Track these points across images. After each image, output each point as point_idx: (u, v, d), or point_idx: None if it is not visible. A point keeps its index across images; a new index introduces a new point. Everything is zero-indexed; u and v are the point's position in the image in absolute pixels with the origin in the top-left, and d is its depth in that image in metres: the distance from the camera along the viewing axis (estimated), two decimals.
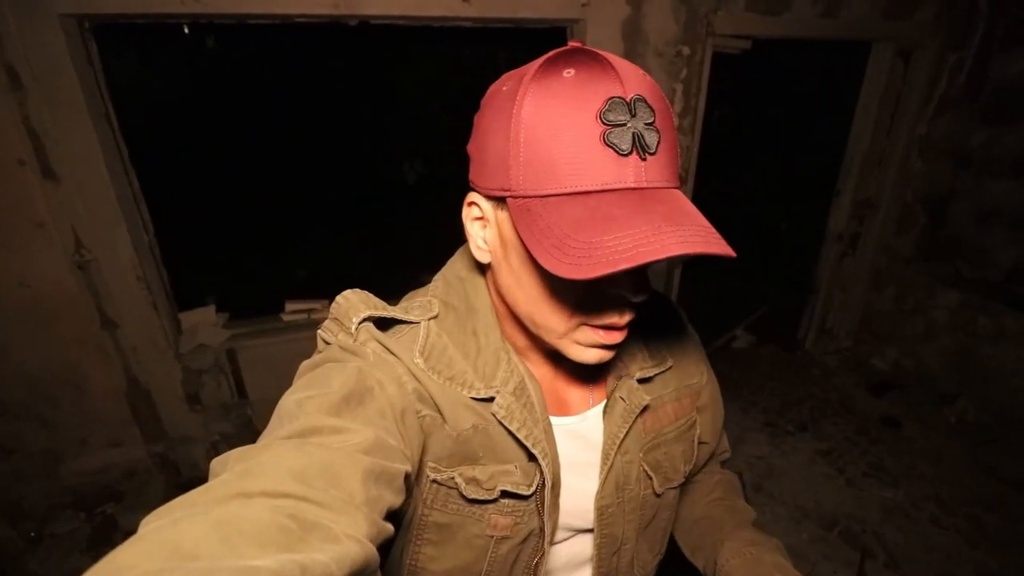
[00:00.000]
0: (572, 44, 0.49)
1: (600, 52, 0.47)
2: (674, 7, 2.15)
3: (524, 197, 0.45)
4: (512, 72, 0.49)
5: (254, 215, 4.12)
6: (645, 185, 0.44)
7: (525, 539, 0.60)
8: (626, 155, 0.43)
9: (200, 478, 0.50)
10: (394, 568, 0.64)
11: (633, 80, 0.45)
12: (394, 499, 0.45)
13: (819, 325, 3.16)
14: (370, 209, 4.47)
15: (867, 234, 2.95)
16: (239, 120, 3.99)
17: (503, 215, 0.50)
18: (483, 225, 0.53)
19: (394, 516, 0.48)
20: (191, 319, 2.20)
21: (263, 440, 0.43)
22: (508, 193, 0.46)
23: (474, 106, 0.52)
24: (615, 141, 0.43)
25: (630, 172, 0.43)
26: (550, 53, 0.47)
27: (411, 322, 0.57)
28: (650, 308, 0.68)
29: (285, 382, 0.53)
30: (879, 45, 2.60)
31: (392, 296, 0.63)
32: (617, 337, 0.52)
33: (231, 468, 0.39)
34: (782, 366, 3.12)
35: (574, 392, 0.64)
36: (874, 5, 2.41)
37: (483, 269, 0.60)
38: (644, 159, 0.43)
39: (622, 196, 0.43)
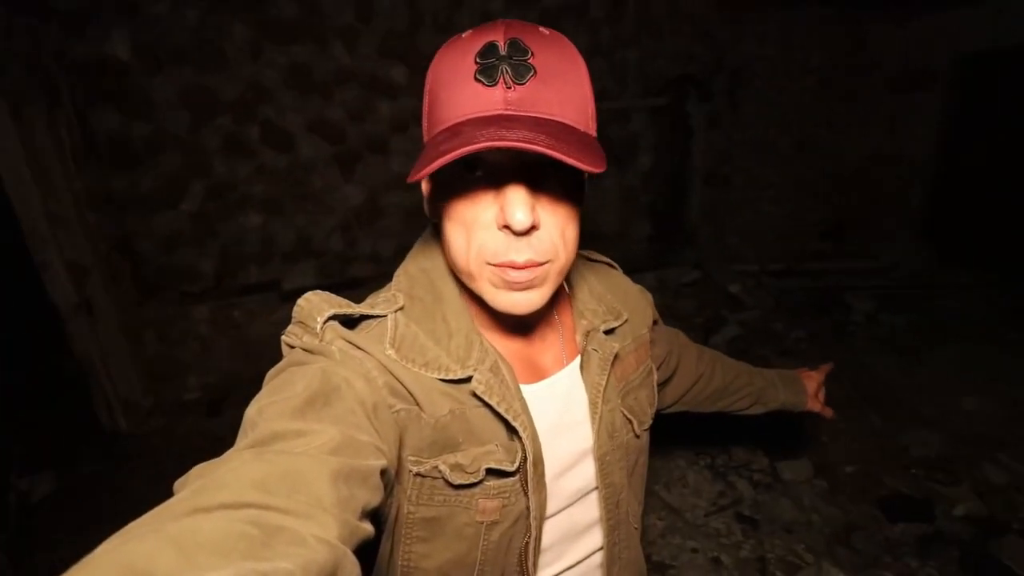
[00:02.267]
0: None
1: (511, 20, 0.53)
2: None
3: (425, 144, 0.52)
4: None
5: None
6: (513, 112, 0.47)
7: (515, 522, 0.61)
8: (492, 86, 0.47)
9: None
10: (384, 569, 0.62)
11: (518, 30, 0.50)
12: (370, 497, 0.44)
13: (120, 400, 2.84)
14: None
15: (96, 296, 2.77)
16: None
17: None
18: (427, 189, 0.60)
19: (376, 516, 0.48)
20: None
21: (225, 454, 0.41)
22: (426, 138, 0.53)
23: None
24: (482, 76, 0.47)
25: (498, 100, 0.47)
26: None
27: (378, 316, 0.57)
28: (597, 272, 0.77)
29: None
30: None
31: None
32: (520, 277, 0.52)
33: (189, 486, 0.37)
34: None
35: (547, 356, 0.67)
36: None
37: (445, 256, 0.61)
38: (510, 87, 0.47)
39: (483, 119, 0.47)
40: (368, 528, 0.42)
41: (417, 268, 0.63)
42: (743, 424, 2.40)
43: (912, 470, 2.11)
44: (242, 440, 0.43)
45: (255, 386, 0.51)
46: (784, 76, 4.11)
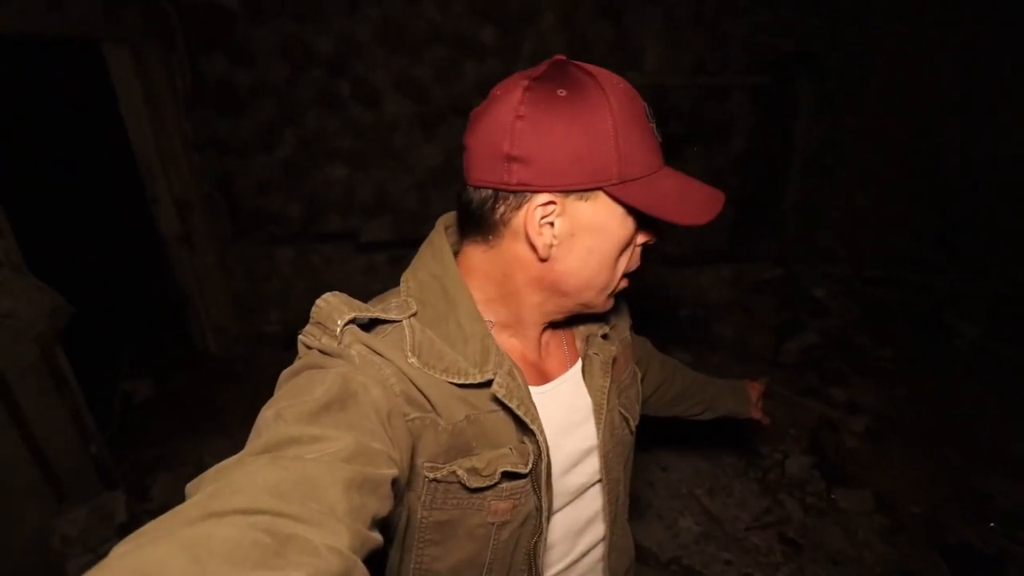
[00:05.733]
0: (558, 57, 0.57)
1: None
2: None
3: (630, 180, 0.55)
4: (534, 81, 0.54)
5: None
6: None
7: (524, 521, 0.64)
8: (661, 143, 0.60)
9: None
10: (395, 574, 0.63)
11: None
12: (380, 507, 0.44)
13: (212, 326, 3.14)
14: None
15: (196, 231, 3.03)
16: None
17: (584, 205, 0.56)
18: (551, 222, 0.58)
19: (384, 524, 0.48)
20: None
21: (238, 455, 0.41)
22: (608, 183, 0.54)
23: None
24: (656, 134, 0.59)
25: (662, 157, 0.60)
26: (585, 66, 0.56)
27: (392, 321, 0.58)
28: None
29: None
30: (109, 45, 2.47)
31: None
32: (626, 282, 0.65)
33: (203, 489, 0.37)
34: (203, 381, 2.98)
35: (553, 360, 0.71)
36: (93, 3, 2.24)
37: (456, 265, 0.63)
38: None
39: (672, 172, 0.60)
40: (377, 538, 0.42)
41: (428, 274, 0.63)
42: (802, 442, 2.24)
43: (988, 522, 1.93)
44: (256, 441, 0.43)
45: None
46: (914, 56, 3.63)
